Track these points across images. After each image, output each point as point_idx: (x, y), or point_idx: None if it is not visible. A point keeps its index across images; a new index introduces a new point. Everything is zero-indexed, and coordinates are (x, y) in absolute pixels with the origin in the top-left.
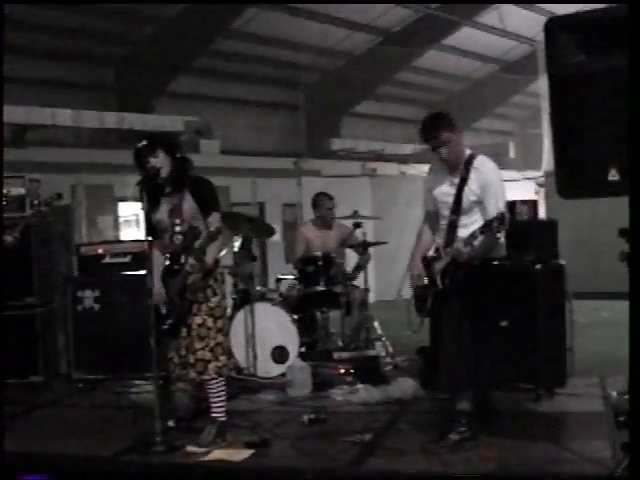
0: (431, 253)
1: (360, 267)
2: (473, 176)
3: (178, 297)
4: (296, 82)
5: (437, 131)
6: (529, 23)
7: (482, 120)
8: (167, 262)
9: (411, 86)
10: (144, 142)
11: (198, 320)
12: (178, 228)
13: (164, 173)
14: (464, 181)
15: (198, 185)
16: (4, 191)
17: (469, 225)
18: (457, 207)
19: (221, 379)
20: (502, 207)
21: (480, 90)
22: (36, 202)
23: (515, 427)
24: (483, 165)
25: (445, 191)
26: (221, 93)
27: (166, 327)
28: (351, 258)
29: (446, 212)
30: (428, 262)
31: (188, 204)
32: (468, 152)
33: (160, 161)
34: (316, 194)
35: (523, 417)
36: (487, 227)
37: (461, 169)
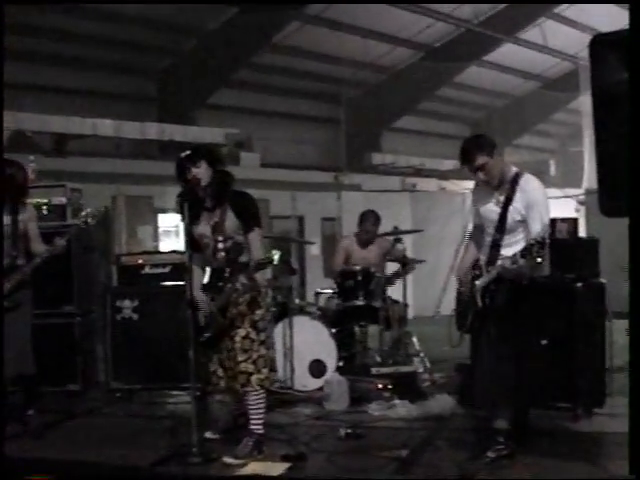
0: (474, 271)
1: (399, 274)
2: (519, 195)
3: (220, 313)
4: (337, 96)
5: (472, 156)
6: (571, 40)
7: (523, 137)
8: (209, 277)
9: (452, 102)
10: (187, 152)
11: (242, 332)
12: (221, 245)
13: (204, 183)
14: (509, 200)
15: (239, 200)
16: (45, 200)
17: (513, 244)
18: (501, 226)
19: (262, 392)
20: (546, 225)
21: (521, 107)
22: (83, 214)
23: (553, 447)
24: (528, 184)
25: (490, 209)
26: (262, 106)
27: (203, 340)
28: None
29: (490, 230)
30: (470, 281)
31: (230, 219)
32: (514, 170)
33: (201, 172)
34: (365, 211)
35: (561, 437)
36: (527, 251)
37: (507, 188)
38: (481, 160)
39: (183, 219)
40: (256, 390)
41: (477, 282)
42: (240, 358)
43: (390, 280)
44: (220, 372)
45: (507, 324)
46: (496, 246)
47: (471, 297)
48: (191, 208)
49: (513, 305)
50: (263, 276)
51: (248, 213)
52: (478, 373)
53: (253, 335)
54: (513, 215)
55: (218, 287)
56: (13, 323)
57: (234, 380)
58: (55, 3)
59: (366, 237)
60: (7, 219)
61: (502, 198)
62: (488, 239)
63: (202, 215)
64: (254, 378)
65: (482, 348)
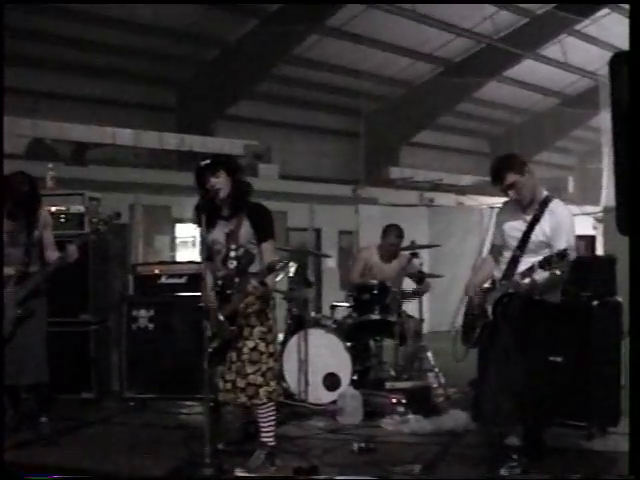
0: (487, 285)
1: (418, 292)
2: (547, 216)
3: (228, 322)
4: (356, 109)
5: (502, 175)
6: (591, 56)
7: (542, 153)
8: (219, 286)
9: (471, 117)
10: (207, 161)
11: (250, 344)
12: (233, 253)
13: (223, 194)
14: (536, 220)
15: (256, 211)
16: (62, 208)
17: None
18: (524, 244)
19: (271, 404)
20: (572, 248)
21: (540, 123)
22: (95, 220)
23: (566, 465)
24: (558, 208)
25: (515, 226)
26: (281, 118)
27: (210, 350)
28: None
29: (512, 247)
30: (482, 293)
31: (245, 229)
32: (545, 193)
33: (220, 182)
34: (389, 225)
35: (575, 455)
36: (546, 261)
37: (535, 208)
38: (511, 178)
39: (200, 228)
40: (264, 403)
41: (490, 295)
42: (249, 370)
43: (406, 296)
44: (220, 384)
45: (517, 338)
46: (514, 262)
47: (482, 310)
48: (208, 216)
49: (525, 321)
50: (274, 283)
51: (263, 224)
52: (487, 388)
53: (262, 347)
54: (538, 235)
55: (227, 295)
56: (27, 331)
57: (240, 392)
58: (56, 3)
59: (390, 251)
60: (20, 227)
61: (529, 217)
62: (507, 255)
63: (218, 223)
64: (262, 390)
65: (491, 363)
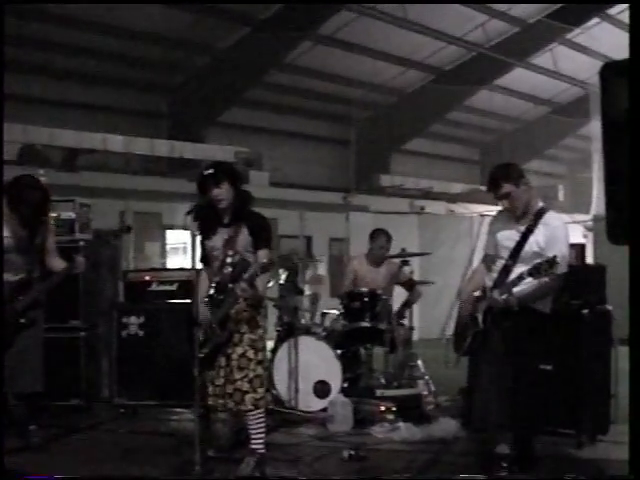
0: (478, 293)
1: (409, 304)
2: (541, 228)
3: (219, 327)
4: (347, 117)
5: (498, 184)
6: (582, 65)
7: (532, 162)
8: (212, 290)
9: (462, 125)
10: (210, 170)
11: (239, 350)
12: (229, 259)
13: (224, 205)
14: (530, 231)
15: (256, 220)
16: (54, 214)
17: None
18: (516, 254)
19: (260, 411)
20: (565, 260)
21: (531, 131)
22: (106, 231)
23: (556, 473)
24: (553, 221)
25: (509, 236)
26: (272, 125)
27: (201, 355)
28: (400, 295)
29: (504, 256)
30: (473, 301)
31: (243, 237)
32: (540, 205)
33: (223, 193)
34: (375, 229)
35: (564, 463)
36: (535, 269)
37: (529, 219)
38: (507, 189)
39: (198, 234)
40: (250, 409)
41: (480, 304)
42: (237, 376)
43: (401, 313)
44: (210, 389)
45: (508, 347)
46: (506, 272)
47: (472, 318)
48: (207, 222)
49: (516, 329)
50: (265, 287)
51: (262, 233)
52: (477, 396)
53: (250, 354)
54: (532, 245)
55: (219, 300)
56: (26, 341)
57: (227, 397)
58: (52, 3)
59: (379, 255)
60: (23, 233)
61: (522, 228)
62: (500, 264)
63: (218, 230)
64: (248, 397)
65: (482, 371)
